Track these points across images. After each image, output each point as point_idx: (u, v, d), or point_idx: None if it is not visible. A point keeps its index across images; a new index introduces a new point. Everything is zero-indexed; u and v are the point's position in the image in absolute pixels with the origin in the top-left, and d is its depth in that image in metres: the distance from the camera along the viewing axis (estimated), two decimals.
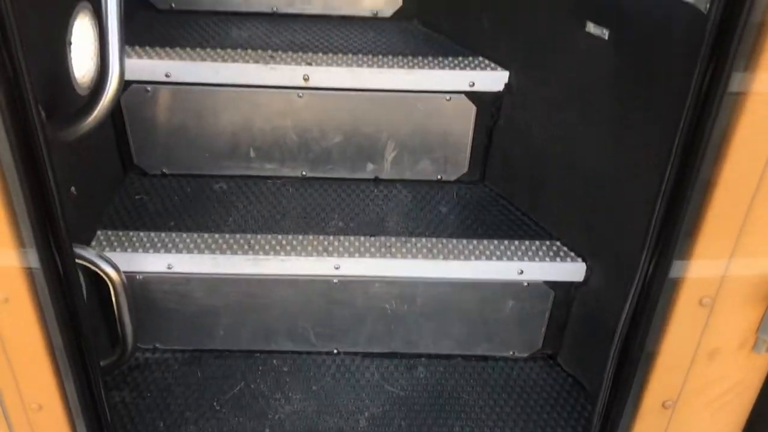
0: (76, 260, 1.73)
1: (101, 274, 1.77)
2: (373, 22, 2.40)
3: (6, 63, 1.29)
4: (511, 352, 2.22)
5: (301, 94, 2.17)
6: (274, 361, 2.17)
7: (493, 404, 2.08)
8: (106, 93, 1.66)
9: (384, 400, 2.08)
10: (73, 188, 1.85)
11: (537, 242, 2.09)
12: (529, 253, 2.05)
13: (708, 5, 1.45)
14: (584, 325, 2.08)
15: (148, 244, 2.00)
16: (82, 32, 1.89)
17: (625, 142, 1.81)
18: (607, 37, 1.79)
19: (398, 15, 2.42)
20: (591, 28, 1.82)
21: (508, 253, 2.05)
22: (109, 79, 1.68)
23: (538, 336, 2.18)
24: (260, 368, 2.15)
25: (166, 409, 2.01)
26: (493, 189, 2.31)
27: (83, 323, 1.54)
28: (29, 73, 1.33)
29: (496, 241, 2.08)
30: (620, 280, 1.86)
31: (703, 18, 1.48)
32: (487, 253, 2.04)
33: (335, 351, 2.21)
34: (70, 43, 1.83)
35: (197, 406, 2.02)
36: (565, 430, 2.02)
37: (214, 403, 2.03)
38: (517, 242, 2.09)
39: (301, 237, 2.06)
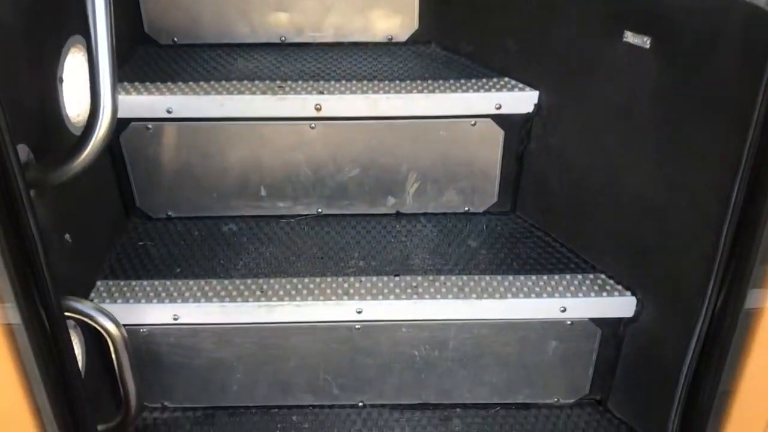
0: (71, 314, 1.57)
1: (98, 328, 1.60)
2: (387, 47, 2.26)
3: None
4: (556, 399, 2.02)
5: (313, 125, 2.02)
6: (294, 417, 1.99)
7: None
8: (97, 130, 1.51)
9: None
10: (67, 235, 1.69)
11: (579, 276, 1.90)
12: (572, 288, 1.86)
13: None
14: (637, 366, 1.87)
15: (152, 294, 1.84)
16: (75, 69, 1.76)
17: (677, 163, 1.63)
18: (648, 46, 1.62)
19: (414, 39, 2.27)
20: (629, 37, 1.65)
21: (549, 289, 1.86)
22: (101, 115, 1.53)
23: (584, 380, 1.98)
24: (279, 425, 1.97)
25: None
26: (526, 220, 2.13)
27: (75, 386, 1.36)
28: (3, 107, 1.19)
29: (534, 277, 1.89)
30: (679, 315, 1.67)
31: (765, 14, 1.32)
32: (525, 290, 1.85)
33: (360, 404, 2.02)
34: (62, 80, 1.69)
35: None
36: None
37: None
38: (557, 277, 1.89)
39: (318, 279, 1.88)
